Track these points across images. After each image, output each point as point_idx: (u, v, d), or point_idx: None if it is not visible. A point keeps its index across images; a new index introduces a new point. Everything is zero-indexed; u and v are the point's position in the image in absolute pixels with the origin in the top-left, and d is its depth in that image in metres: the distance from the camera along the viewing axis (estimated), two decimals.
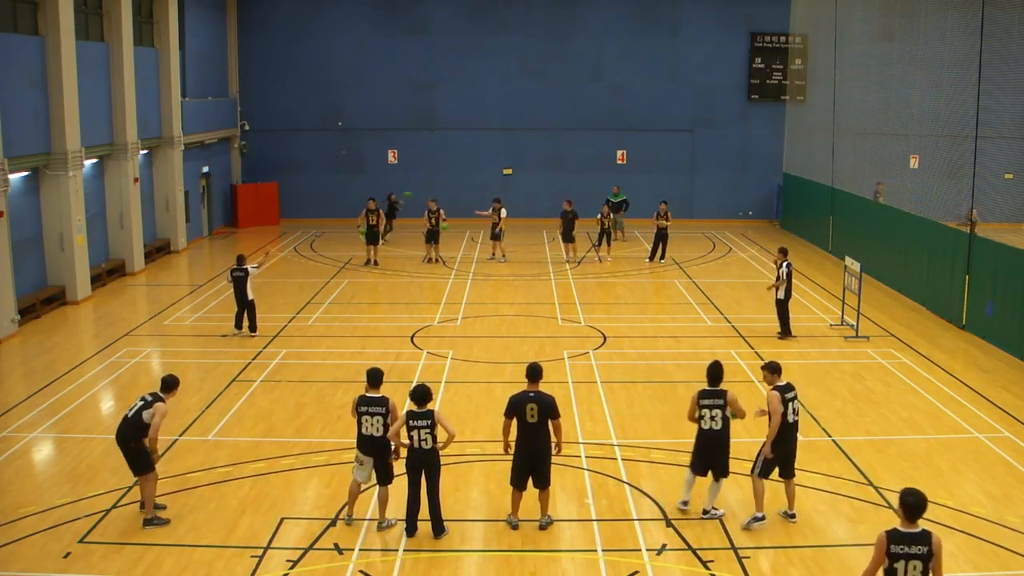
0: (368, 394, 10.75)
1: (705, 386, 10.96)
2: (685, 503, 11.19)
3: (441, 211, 26.92)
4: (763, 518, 10.85)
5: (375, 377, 10.78)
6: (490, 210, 27.53)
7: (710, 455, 10.90)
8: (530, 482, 10.80)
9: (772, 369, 10.98)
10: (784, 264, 18.97)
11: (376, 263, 26.78)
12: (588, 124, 34.85)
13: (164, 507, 11.28)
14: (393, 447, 10.76)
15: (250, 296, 19.00)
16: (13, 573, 9.85)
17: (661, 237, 26.89)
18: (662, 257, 27.14)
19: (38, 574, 9.85)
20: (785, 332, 19.14)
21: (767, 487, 10.92)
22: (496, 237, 27.53)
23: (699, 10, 34.62)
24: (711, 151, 35.16)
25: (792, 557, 10.27)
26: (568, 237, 27.21)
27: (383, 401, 10.65)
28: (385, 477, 10.82)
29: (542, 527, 10.83)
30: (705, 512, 11.02)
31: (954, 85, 21.32)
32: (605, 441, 13.57)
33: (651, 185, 34.12)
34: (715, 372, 10.92)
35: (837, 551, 10.44)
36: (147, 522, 10.82)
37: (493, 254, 27.85)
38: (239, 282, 18.87)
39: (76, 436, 13.75)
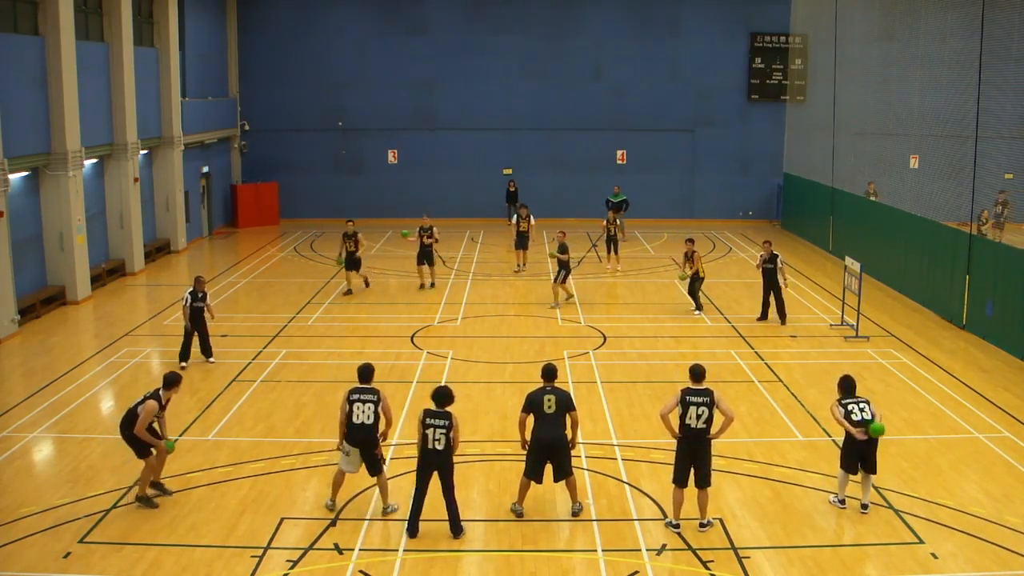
0: (360, 385, 11.14)
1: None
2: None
3: (435, 228, 23.39)
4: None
5: (365, 373, 11.22)
6: (514, 218, 26.18)
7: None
8: (549, 478, 11.09)
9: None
10: (769, 256, 19.89)
11: (351, 292, 22.97)
12: (588, 124, 34.82)
13: (171, 493, 11.63)
14: (381, 435, 11.11)
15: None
16: (13, 573, 9.85)
17: (695, 279, 21.38)
18: (697, 307, 21.42)
19: (38, 574, 9.86)
20: (763, 316, 20.15)
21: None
22: (523, 245, 25.39)
23: (699, 10, 34.60)
24: (711, 151, 35.13)
25: (792, 557, 10.27)
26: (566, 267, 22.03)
27: (375, 391, 11.03)
28: (373, 467, 11.09)
29: (574, 513, 11.12)
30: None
31: (954, 85, 21.27)
32: (605, 441, 13.56)
33: (651, 185, 34.20)
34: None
35: (837, 551, 10.43)
36: (137, 498, 11.37)
37: (519, 265, 25.84)
38: (198, 312, 17.17)
39: (76, 436, 13.74)
